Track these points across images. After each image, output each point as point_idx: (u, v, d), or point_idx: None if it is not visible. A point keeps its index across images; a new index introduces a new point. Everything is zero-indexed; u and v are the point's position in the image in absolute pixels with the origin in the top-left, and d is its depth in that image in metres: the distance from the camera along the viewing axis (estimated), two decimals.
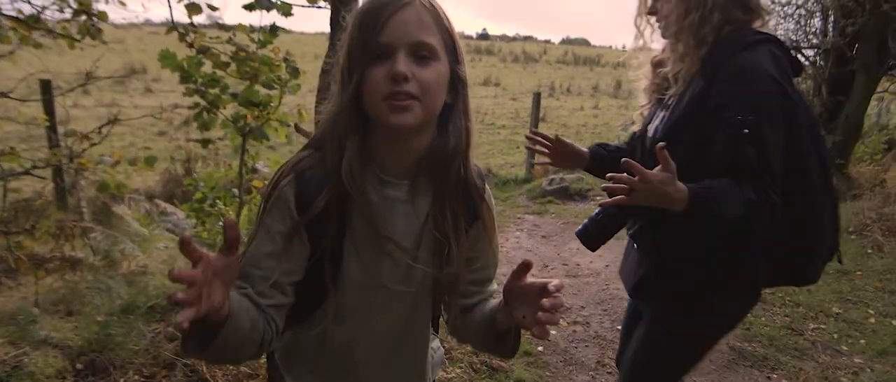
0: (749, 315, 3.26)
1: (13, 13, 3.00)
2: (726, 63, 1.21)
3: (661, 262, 1.39)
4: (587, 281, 3.79)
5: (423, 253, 0.94)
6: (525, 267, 0.82)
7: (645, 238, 1.43)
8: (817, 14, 6.82)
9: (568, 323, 3.14)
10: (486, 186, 0.99)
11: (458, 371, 2.39)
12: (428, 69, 0.84)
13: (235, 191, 2.67)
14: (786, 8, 6.90)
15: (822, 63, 6.78)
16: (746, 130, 1.17)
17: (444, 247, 0.94)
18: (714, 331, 1.43)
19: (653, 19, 1.37)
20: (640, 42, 1.42)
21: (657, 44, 1.41)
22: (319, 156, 0.91)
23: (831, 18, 6.58)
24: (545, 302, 0.77)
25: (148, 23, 4.71)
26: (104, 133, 2.28)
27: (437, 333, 1.15)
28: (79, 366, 2.05)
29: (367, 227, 0.91)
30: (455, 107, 0.91)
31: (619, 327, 3.12)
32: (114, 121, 2.31)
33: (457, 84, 0.90)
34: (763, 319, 3.24)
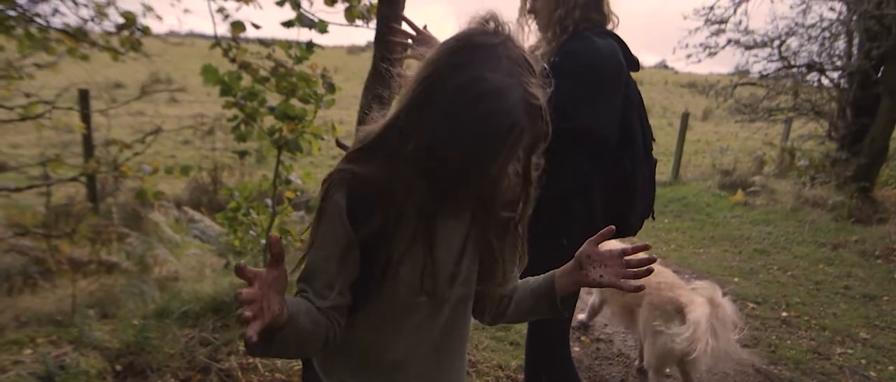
0: (774, 337, 3.23)
1: (60, 26, 3.14)
2: (579, 41, 1.56)
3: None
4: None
5: (465, 265, 0.98)
6: (608, 232, 0.98)
7: None
8: (842, 36, 6.79)
9: (591, 341, 3.14)
10: None
11: None
12: None
13: (268, 201, 2.74)
14: (810, 30, 6.89)
15: (846, 86, 6.74)
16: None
17: (487, 259, 1.00)
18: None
19: (530, 18, 1.70)
20: (523, 36, 1.74)
21: (534, 38, 1.74)
22: (370, 172, 0.95)
23: (856, 41, 6.55)
24: (633, 260, 0.97)
25: (173, 34, 4.86)
26: (147, 142, 2.37)
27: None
28: (118, 367, 2.11)
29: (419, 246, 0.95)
30: None
31: None
32: (156, 131, 2.40)
33: None
34: (789, 342, 3.21)
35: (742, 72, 7.95)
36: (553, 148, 1.38)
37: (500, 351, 2.75)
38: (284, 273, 0.82)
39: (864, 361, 3.06)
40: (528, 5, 1.71)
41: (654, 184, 1.78)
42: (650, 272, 0.98)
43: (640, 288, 0.97)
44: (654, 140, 1.75)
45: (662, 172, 8.16)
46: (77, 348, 2.26)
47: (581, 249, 1.02)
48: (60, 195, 4.81)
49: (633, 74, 1.70)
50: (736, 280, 4.21)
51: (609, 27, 1.67)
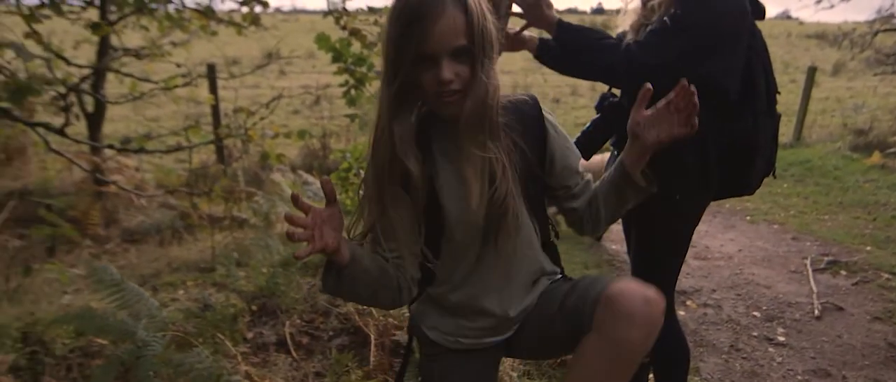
0: None
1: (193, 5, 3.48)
2: None
3: None
4: (718, 264, 3.62)
5: (497, 189, 1.06)
6: (647, 92, 1.03)
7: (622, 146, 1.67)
8: None
9: (697, 305, 3.04)
10: (542, 108, 1.16)
11: None
12: (465, 64, 0.99)
13: None
14: None
15: None
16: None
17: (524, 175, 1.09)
18: (681, 227, 1.68)
19: None
20: None
21: None
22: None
23: None
24: (677, 97, 1.02)
25: (278, 11, 5.14)
26: (271, 108, 2.60)
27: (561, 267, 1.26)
28: (253, 308, 2.40)
29: (444, 181, 1.08)
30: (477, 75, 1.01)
31: (755, 313, 2.97)
32: (278, 97, 2.63)
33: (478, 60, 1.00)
34: None
35: (884, 18, 6.98)
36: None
37: None
38: (339, 212, 0.96)
39: None
40: None
41: (777, 141, 1.67)
42: (693, 94, 1.01)
43: (694, 127, 1.04)
44: (778, 93, 1.64)
45: (783, 133, 7.46)
46: (219, 290, 2.59)
47: (629, 122, 1.09)
48: (195, 160, 5.41)
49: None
50: (867, 249, 3.83)
51: None
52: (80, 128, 3.87)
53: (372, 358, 1.83)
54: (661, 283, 1.80)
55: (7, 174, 4.74)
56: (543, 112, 1.16)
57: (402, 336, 1.98)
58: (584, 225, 1.20)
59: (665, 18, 1.45)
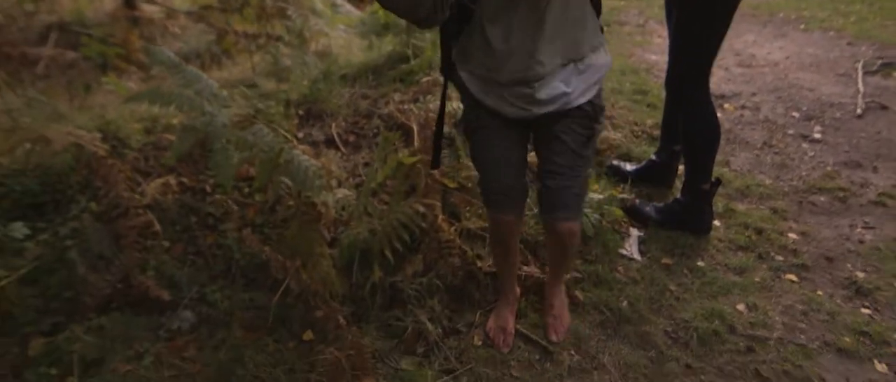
0: None
1: None
2: None
3: None
4: (762, 70, 3.51)
5: None
6: None
7: None
8: None
9: (734, 108, 3.03)
10: None
11: (619, 135, 2.52)
12: None
13: None
14: None
15: None
16: None
17: None
18: (725, 8, 1.74)
19: None
20: None
21: None
22: None
23: None
24: None
25: None
26: None
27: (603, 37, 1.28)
28: (300, 113, 2.52)
29: None
30: None
31: (795, 113, 2.95)
32: None
33: None
34: None
35: None
36: None
37: (636, 110, 2.79)
38: None
39: None
40: None
41: None
42: None
43: None
44: None
45: None
46: (265, 100, 2.71)
47: None
48: None
49: None
50: None
51: None
52: None
53: (416, 142, 1.96)
54: (693, 60, 1.81)
55: (41, 8, 4.77)
56: None
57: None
58: None
59: None
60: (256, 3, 3.34)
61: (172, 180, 1.87)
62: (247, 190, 1.95)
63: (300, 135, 2.34)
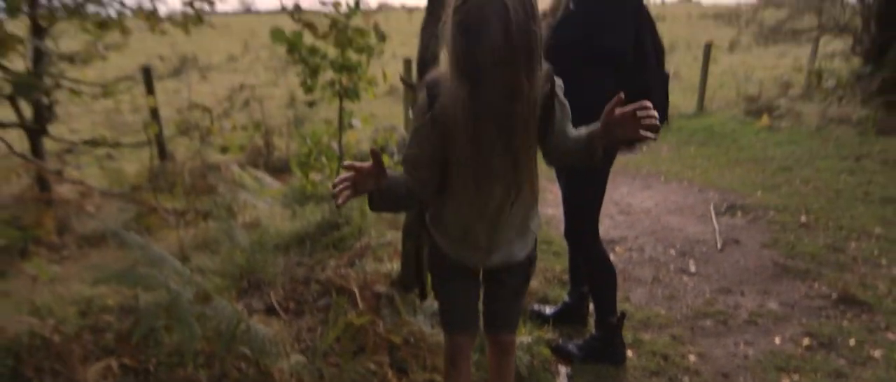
0: (792, 237, 3.54)
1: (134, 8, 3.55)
2: None
3: None
4: (639, 216, 4.16)
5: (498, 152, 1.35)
6: (619, 100, 1.27)
7: None
8: None
9: (624, 250, 3.53)
10: (554, 81, 1.40)
11: (535, 282, 2.84)
12: None
13: (335, 144, 3.15)
14: None
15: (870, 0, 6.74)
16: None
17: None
18: (603, 173, 2.17)
19: None
20: None
21: None
22: (438, 86, 1.34)
23: None
24: (641, 114, 1.25)
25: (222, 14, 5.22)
26: (237, 106, 2.78)
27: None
28: (243, 286, 2.60)
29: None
30: None
31: (672, 250, 3.50)
32: (247, 96, 2.81)
33: None
34: (806, 240, 3.54)
35: None
36: (579, 67, 1.79)
37: (545, 258, 3.17)
38: (383, 168, 1.25)
39: (876, 252, 3.37)
40: None
41: (668, 95, 2.14)
42: (655, 117, 1.25)
43: (654, 137, 1.26)
44: (664, 53, 2.10)
45: (687, 104, 8.31)
46: (200, 274, 2.76)
47: (603, 116, 1.30)
48: (134, 162, 5.35)
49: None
50: (758, 193, 4.51)
51: None
52: (20, 136, 3.82)
53: (360, 304, 2.11)
54: (585, 216, 2.23)
55: None
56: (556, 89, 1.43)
57: (380, 288, 2.28)
58: (551, 161, 1.54)
59: (570, 4, 1.89)
60: (187, 181, 3.51)
61: (113, 363, 1.84)
62: (191, 366, 1.95)
63: (240, 305, 2.40)
